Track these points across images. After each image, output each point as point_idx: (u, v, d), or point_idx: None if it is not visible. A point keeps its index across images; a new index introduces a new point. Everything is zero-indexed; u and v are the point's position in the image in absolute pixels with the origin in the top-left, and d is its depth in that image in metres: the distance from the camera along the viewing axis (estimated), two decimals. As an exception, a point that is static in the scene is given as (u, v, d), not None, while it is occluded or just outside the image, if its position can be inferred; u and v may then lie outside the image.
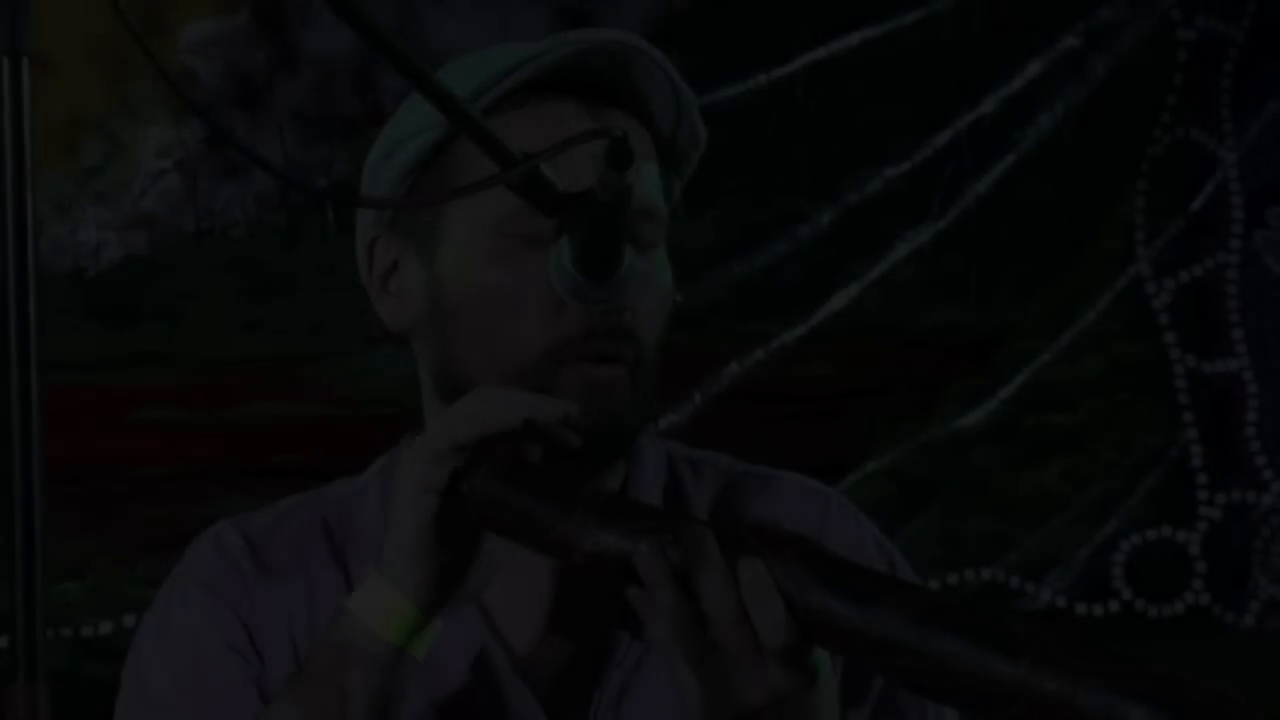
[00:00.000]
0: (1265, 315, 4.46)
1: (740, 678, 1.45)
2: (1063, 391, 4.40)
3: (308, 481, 1.82)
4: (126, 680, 1.75)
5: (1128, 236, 4.44)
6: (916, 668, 1.38)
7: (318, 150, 4.05)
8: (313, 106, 4.05)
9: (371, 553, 1.72)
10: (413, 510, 1.55)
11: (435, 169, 1.71)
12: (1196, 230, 4.47)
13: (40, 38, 1.31)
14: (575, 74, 1.70)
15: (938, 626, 1.38)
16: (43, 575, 1.29)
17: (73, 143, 3.93)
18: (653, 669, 1.68)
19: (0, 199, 1.29)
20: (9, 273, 1.29)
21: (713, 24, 4.22)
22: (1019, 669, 1.34)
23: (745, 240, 4.24)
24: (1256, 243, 4.47)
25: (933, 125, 4.33)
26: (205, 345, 4.02)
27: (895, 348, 4.35)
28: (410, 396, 1.77)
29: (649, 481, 1.76)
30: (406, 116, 1.73)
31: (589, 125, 1.66)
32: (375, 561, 1.68)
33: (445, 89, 1.51)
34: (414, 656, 1.57)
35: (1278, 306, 4.47)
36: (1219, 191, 4.46)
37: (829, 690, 1.50)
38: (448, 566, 1.56)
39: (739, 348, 4.24)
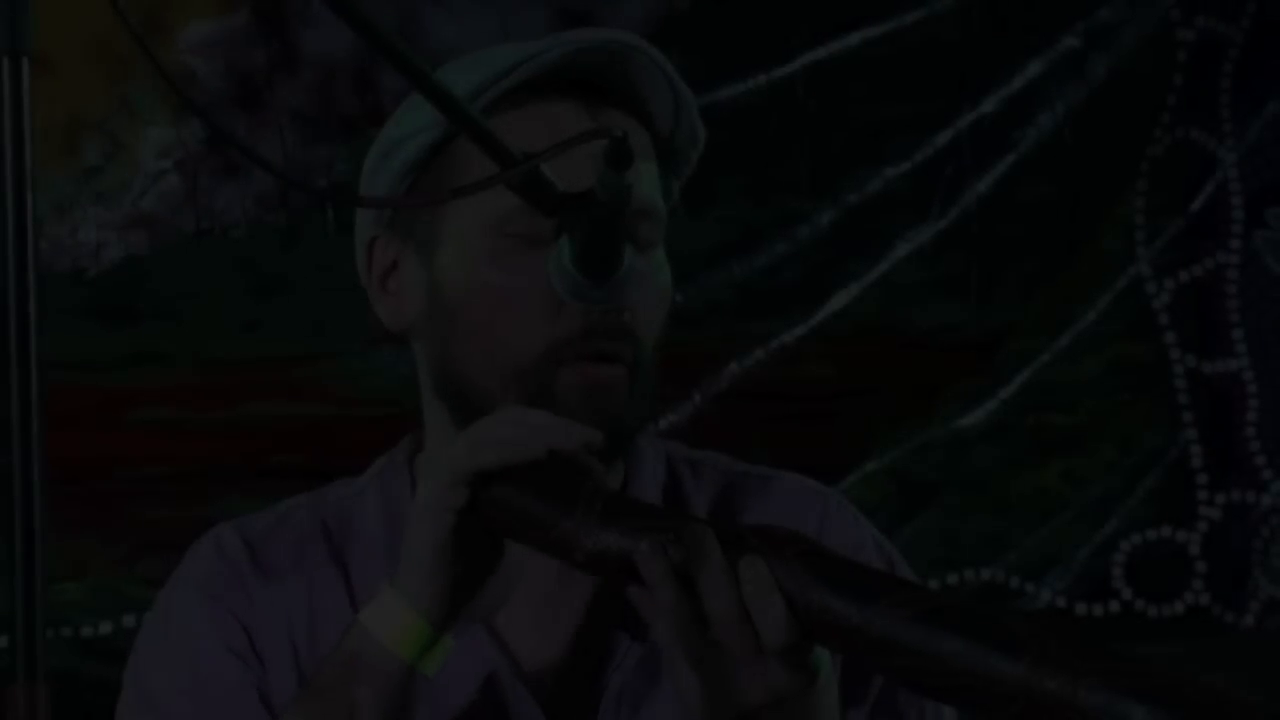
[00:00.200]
0: (1265, 315, 4.46)
1: (741, 677, 1.45)
2: (1063, 391, 4.40)
3: (308, 482, 1.81)
4: (127, 682, 1.75)
5: (1128, 236, 4.44)
6: (917, 667, 1.38)
7: (318, 150, 4.05)
8: (313, 106, 4.05)
9: (371, 553, 1.72)
10: (429, 528, 1.54)
11: (435, 169, 1.71)
12: (1196, 230, 4.46)
13: (40, 38, 1.31)
14: (574, 73, 1.70)
15: (938, 626, 1.38)
16: (43, 575, 1.29)
17: (73, 143, 3.93)
18: (653, 670, 1.68)
19: (0, 199, 1.29)
20: (9, 273, 1.29)
21: (713, 24, 4.22)
22: (1019, 668, 1.34)
23: (745, 240, 4.24)
24: (1256, 243, 4.47)
25: (933, 125, 4.33)
26: (205, 345, 4.01)
27: (895, 348, 4.34)
28: (410, 396, 1.77)
29: (648, 481, 1.76)
30: (406, 116, 1.73)
31: (588, 125, 1.66)
32: (374, 562, 1.68)
33: (445, 89, 1.51)
34: (424, 674, 1.56)
35: (1278, 306, 4.47)
36: (1219, 191, 4.46)
37: (829, 689, 1.50)
38: (461, 584, 1.55)
39: (739, 348, 4.23)
